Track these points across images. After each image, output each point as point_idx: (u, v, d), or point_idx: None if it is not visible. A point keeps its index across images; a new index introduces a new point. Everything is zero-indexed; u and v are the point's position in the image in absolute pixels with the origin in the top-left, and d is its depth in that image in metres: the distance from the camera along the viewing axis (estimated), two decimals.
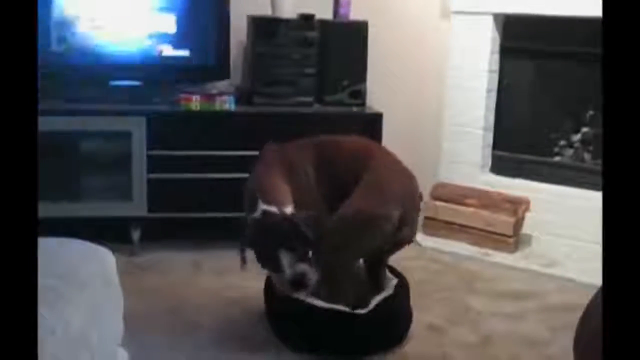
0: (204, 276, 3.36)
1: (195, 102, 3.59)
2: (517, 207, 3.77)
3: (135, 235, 3.58)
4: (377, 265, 2.89)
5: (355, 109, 3.76)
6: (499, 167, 4.03)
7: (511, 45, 3.93)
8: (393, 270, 2.94)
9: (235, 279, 3.25)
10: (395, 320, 2.78)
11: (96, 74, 3.62)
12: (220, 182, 3.56)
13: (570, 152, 3.92)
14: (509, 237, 3.76)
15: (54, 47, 3.53)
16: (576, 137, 3.91)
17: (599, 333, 1.39)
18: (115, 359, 2.05)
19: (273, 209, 2.61)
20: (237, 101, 3.67)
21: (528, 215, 3.81)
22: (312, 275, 2.56)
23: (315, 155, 2.87)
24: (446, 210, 3.91)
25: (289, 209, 2.63)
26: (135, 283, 3.10)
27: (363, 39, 3.77)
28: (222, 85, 3.82)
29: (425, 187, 3.96)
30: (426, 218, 3.97)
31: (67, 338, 1.59)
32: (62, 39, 3.53)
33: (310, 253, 2.57)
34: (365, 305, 2.68)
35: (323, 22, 3.79)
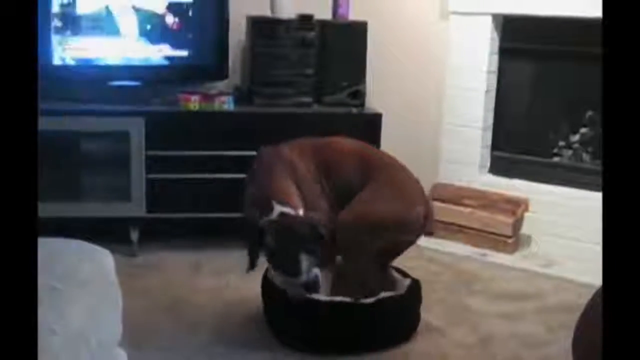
0: (202, 276, 3.36)
1: (194, 103, 3.58)
2: (515, 207, 3.78)
3: (134, 235, 3.58)
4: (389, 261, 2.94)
5: (354, 109, 3.76)
6: (498, 167, 4.04)
7: (510, 45, 3.94)
8: (405, 274, 2.95)
9: (234, 279, 3.26)
10: (400, 318, 2.78)
11: (95, 74, 3.62)
12: (219, 182, 3.55)
13: (569, 152, 3.93)
14: (508, 237, 3.76)
15: (54, 47, 3.52)
16: (575, 138, 3.92)
17: (598, 333, 1.40)
18: (114, 359, 2.05)
19: (289, 209, 2.61)
20: (236, 101, 3.67)
21: (527, 215, 3.81)
22: (321, 279, 2.59)
23: (314, 155, 2.88)
24: (445, 211, 3.91)
25: (301, 210, 2.64)
26: (133, 283, 3.10)
27: (362, 40, 3.77)
28: (221, 85, 3.82)
29: (424, 188, 3.98)
30: None
31: (66, 338, 1.59)
32: (61, 40, 3.53)
33: (320, 255, 2.58)
34: (373, 296, 2.69)
35: (322, 23, 3.78)
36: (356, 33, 3.77)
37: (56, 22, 3.51)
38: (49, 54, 3.50)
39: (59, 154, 3.41)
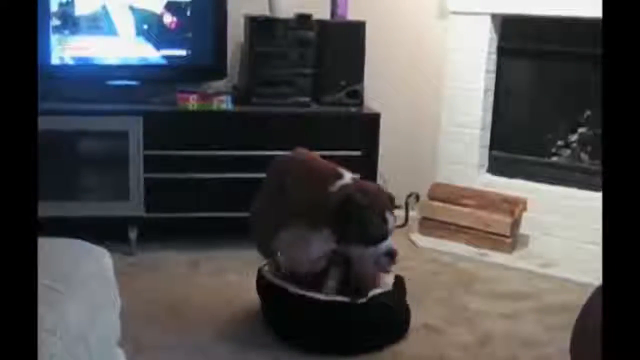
0: (201, 275, 3.36)
1: (192, 102, 3.58)
2: (514, 207, 3.77)
3: (132, 234, 3.58)
4: None
5: (353, 109, 3.76)
6: (497, 167, 4.04)
7: (509, 45, 3.93)
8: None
9: (233, 278, 3.26)
10: (392, 314, 2.78)
11: (94, 74, 3.62)
12: (217, 181, 3.55)
13: (567, 152, 3.92)
14: (506, 237, 3.76)
15: (53, 46, 3.52)
16: (573, 138, 3.91)
17: (596, 333, 1.40)
18: (113, 359, 2.05)
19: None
20: (235, 101, 3.67)
21: (525, 215, 3.81)
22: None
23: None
24: (443, 211, 3.91)
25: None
26: (132, 283, 3.10)
27: (361, 39, 3.76)
28: (219, 85, 3.81)
29: (422, 188, 3.99)
30: (423, 218, 3.97)
31: (65, 337, 1.59)
32: (60, 39, 3.53)
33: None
34: (364, 296, 2.69)
35: (321, 22, 3.78)
36: (355, 33, 3.77)
37: (55, 22, 3.51)
38: (47, 53, 3.49)
39: (57, 153, 3.41)
